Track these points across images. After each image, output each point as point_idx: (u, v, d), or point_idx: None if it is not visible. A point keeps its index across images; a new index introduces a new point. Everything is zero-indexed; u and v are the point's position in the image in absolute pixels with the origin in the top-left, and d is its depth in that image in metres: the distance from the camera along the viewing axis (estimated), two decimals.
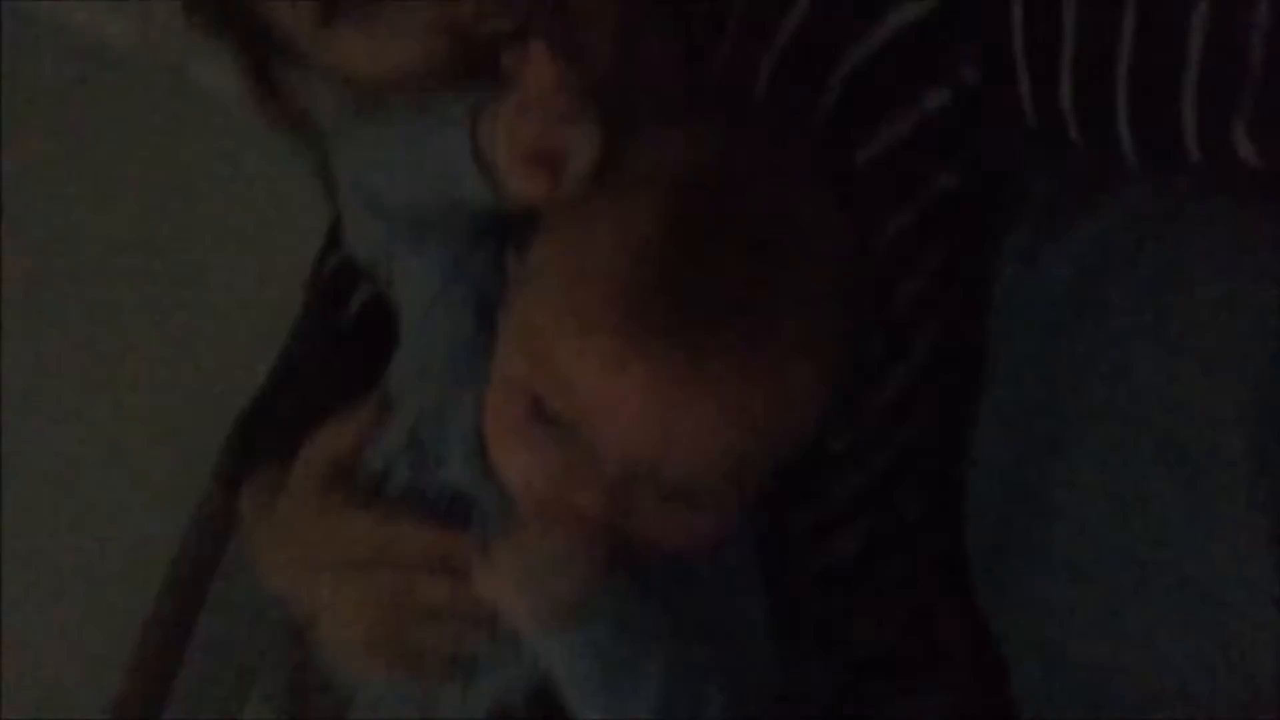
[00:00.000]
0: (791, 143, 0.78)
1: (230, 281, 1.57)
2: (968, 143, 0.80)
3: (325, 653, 0.81)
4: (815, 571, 0.85)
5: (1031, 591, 0.82)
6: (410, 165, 0.74)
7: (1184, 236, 0.79)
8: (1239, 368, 0.76)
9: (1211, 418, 0.76)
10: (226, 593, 1.14)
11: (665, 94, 0.81)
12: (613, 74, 0.75)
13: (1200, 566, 0.76)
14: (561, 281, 0.69)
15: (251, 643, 1.15)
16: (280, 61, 0.85)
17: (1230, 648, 0.75)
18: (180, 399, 1.52)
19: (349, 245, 0.83)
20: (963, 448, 0.85)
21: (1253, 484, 0.74)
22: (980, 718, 0.86)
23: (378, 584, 0.77)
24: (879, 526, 0.85)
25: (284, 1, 0.79)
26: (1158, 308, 0.78)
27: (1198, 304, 0.77)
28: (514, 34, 0.72)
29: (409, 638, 0.76)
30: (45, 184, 1.63)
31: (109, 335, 1.57)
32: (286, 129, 0.87)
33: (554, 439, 0.69)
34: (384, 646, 0.77)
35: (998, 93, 0.77)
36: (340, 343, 0.94)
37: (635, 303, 0.66)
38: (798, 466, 0.73)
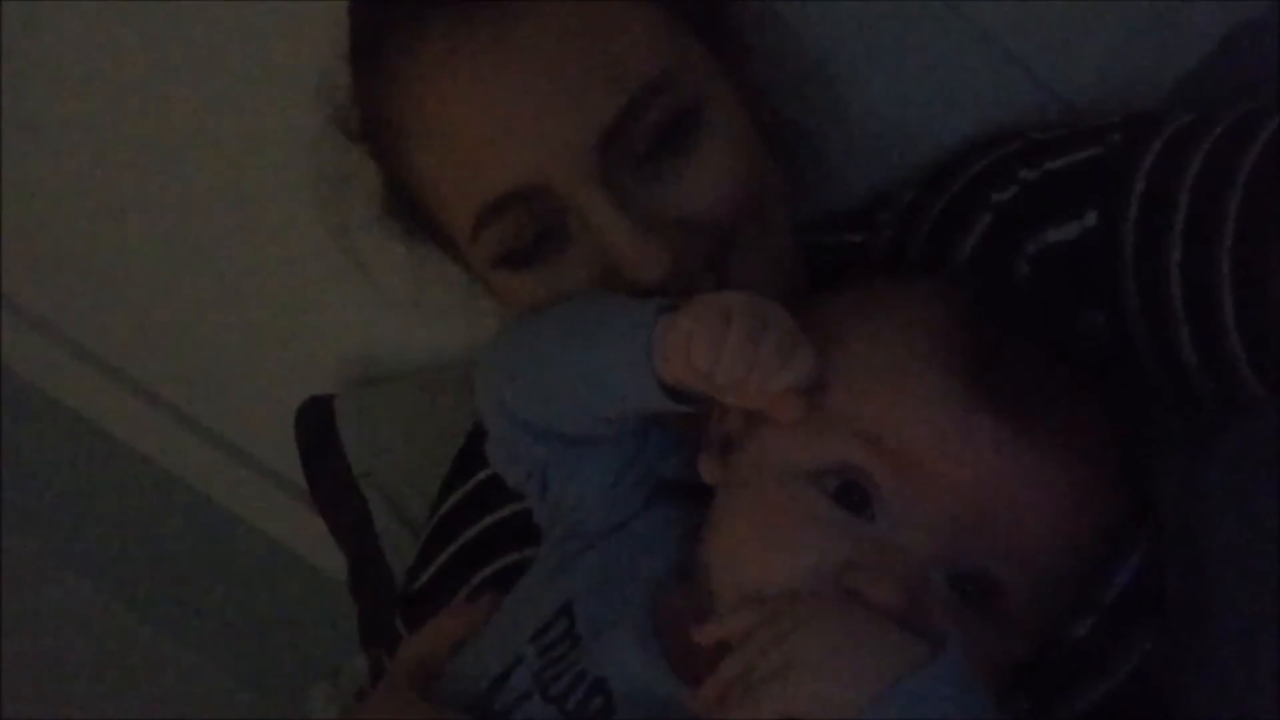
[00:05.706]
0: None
1: None
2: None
3: None
4: None
5: None
6: (579, 387, 0.76)
7: None
8: None
9: None
10: None
11: None
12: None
13: None
14: (881, 366, 0.72)
15: None
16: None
17: None
18: None
19: (495, 465, 0.86)
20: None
21: None
22: None
23: None
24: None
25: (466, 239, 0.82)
26: None
27: None
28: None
29: None
30: None
31: None
32: None
33: (851, 525, 0.70)
34: None
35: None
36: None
37: (977, 370, 0.71)
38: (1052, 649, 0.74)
